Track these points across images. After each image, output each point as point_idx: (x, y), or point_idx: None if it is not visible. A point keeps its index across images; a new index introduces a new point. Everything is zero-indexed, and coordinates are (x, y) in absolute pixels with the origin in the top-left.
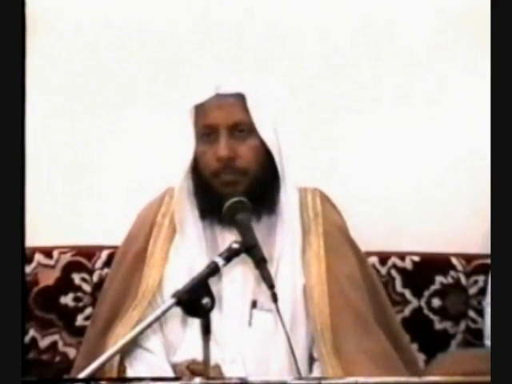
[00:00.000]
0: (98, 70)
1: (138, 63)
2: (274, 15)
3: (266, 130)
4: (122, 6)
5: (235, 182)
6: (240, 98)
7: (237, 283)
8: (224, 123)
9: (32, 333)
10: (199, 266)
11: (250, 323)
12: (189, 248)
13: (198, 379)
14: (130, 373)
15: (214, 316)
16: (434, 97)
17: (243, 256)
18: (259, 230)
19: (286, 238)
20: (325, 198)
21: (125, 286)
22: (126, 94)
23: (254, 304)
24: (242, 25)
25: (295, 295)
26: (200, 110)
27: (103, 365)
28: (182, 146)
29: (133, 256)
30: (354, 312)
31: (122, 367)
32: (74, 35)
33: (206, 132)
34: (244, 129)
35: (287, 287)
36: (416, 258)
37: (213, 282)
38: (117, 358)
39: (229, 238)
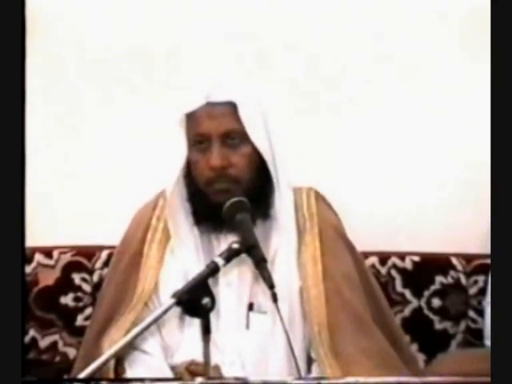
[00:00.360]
0: (97, 70)
1: (137, 63)
2: (274, 15)
3: (258, 138)
4: (121, 6)
5: (228, 191)
6: (231, 107)
7: (233, 286)
8: (216, 132)
9: (32, 333)
10: (194, 269)
11: (247, 326)
12: (184, 252)
13: (198, 379)
14: (130, 374)
15: (212, 319)
16: (434, 97)
17: (239, 259)
18: None
19: (282, 240)
20: (320, 198)
21: (121, 288)
22: (125, 94)
23: (250, 306)
24: (242, 24)
25: (291, 296)
26: (191, 118)
27: (103, 365)
28: (175, 152)
29: (128, 259)
30: (351, 311)
31: (121, 369)
32: (74, 35)
33: (198, 140)
34: (236, 137)
35: (283, 288)
36: (416, 258)
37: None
38: (113, 359)
39: (224, 242)
